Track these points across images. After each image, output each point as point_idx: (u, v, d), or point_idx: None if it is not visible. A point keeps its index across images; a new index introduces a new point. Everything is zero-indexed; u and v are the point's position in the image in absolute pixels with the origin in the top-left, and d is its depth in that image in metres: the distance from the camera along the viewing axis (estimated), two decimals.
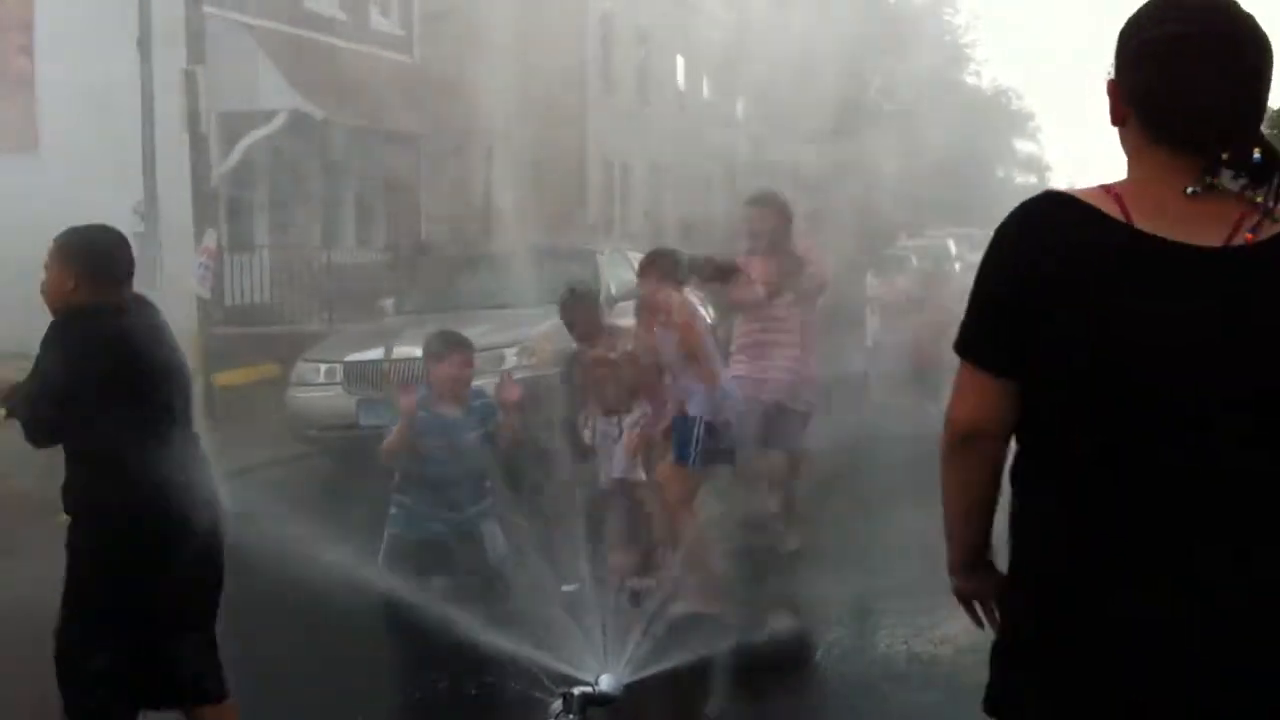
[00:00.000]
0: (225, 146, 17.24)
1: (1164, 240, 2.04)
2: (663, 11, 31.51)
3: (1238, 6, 2.13)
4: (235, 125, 17.29)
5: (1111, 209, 2.09)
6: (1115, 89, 2.20)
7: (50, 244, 4.41)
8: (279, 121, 17.13)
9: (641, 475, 6.86)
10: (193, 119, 16.10)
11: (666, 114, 31.99)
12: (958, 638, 5.52)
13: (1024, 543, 2.17)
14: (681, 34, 32.92)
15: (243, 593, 6.95)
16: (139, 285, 7.22)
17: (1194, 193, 2.07)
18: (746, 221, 7.35)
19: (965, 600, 2.44)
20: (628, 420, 6.91)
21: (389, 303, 12.32)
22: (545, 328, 8.16)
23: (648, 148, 30.55)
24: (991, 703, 2.24)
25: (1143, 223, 2.06)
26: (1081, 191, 2.16)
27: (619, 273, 12.53)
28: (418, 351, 9.94)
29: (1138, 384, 2.02)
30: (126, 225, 13.02)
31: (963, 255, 22.69)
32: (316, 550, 6.83)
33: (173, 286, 15.32)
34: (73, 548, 4.07)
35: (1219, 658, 1.99)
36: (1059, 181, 45.93)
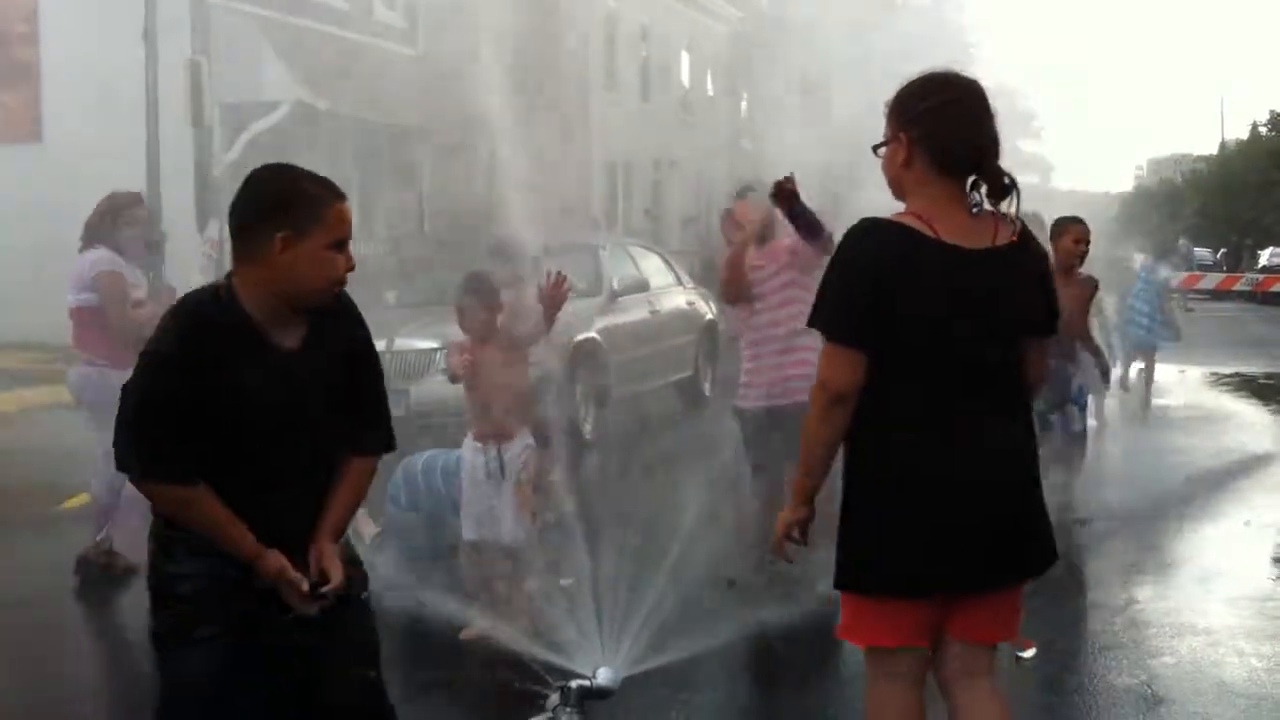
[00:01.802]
0: (229, 137, 17.22)
1: (961, 247, 3.11)
2: (666, 8, 31.49)
3: (978, 82, 3.23)
4: (239, 116, 17.28)
5: (923, 228, 3.10)
6: (905, 140, 3.17)
7: None
8: (282, 113, 17.11)
9: (530, 537, 5.73)
10: (196, 109, 16.08)
11: (669, 111, 31.98)
12: None
13: (877, 451, 3.15)
14: (685, 31, 32.91)
15: None
16: (141, 276, 7.24)
17: (977, 213, 3.16)
18: (733, 214, 6.88)
19: (791, 527, 3.31)
20: (509, 454, 5.76)
21: (391, 294, 12.32)
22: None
23: (650, 144, 30.52)
24: (844, 578, 3.21)
25: (945, 236, 3.11)
26: (898, 216, 3.16)
27: (621, 268, 12.55)
28: (419, 344, 9.97)
29: (951, 333, 3.08)
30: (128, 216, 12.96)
31: None
32: None
33: (175, 276, 15.34)
34: None
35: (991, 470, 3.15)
36: (1062, 182, 45.97)
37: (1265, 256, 39.03)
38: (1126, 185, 76.75)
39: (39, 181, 16.44)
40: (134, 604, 6.50)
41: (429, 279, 12.92)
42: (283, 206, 3.04)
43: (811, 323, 3.18)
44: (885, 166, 3.26)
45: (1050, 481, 8.35)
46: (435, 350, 9.97)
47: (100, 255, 6.84)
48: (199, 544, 3.04)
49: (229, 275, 3.10)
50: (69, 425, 10.65)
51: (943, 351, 3.10)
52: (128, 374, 6.85)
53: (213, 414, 2.97)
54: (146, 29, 15.33)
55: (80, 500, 8.65)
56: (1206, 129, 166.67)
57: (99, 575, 6.80)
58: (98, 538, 6.89)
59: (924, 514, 3.11)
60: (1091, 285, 7.60)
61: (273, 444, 3.07)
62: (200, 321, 3.02)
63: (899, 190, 3.24)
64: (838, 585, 3.23)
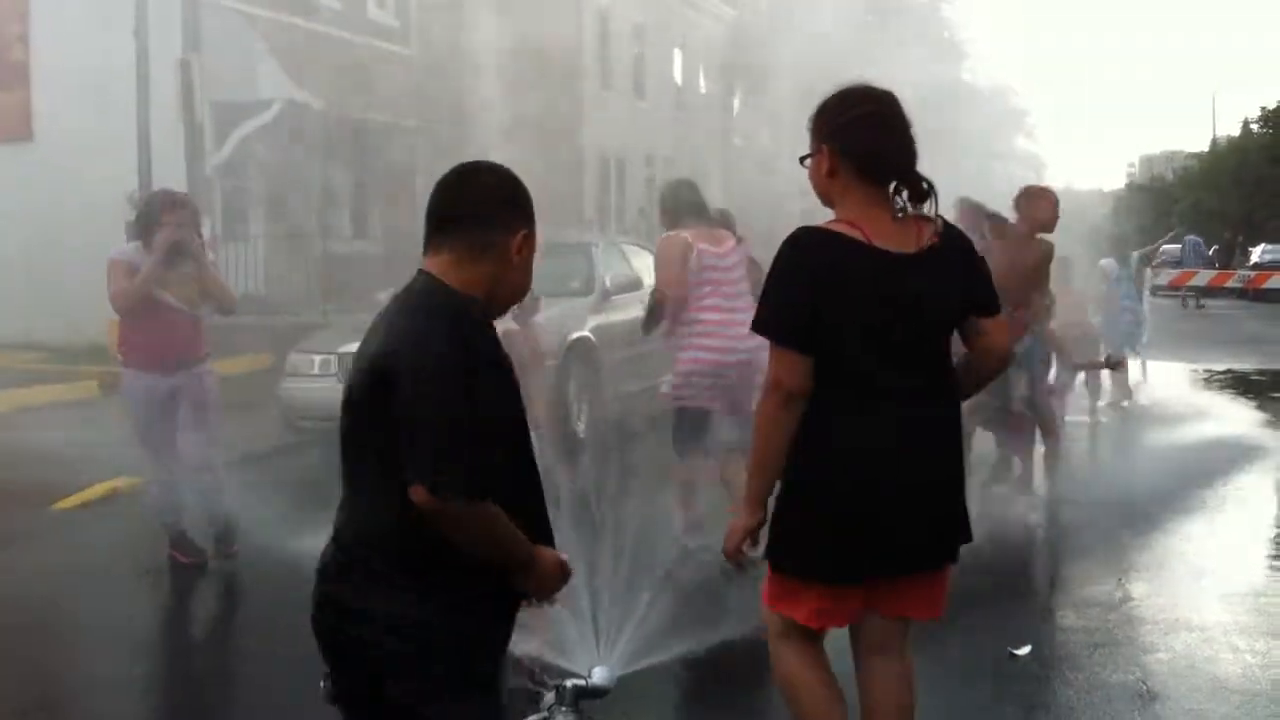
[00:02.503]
0: (221, 136, 17.21)
1: (890, 252, 3.29)
2: (659, 6, 31.48)
3: (893, 94, 3.41)
4: (231, 115, 17.26)
5: (855, 234, 3.28)
6: (828, 151, 3.36)
7: None
8: (274, 111, 17.09)
9: None
10: (188, 108, 16.07)
11: (662, 108, 31.96)
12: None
13: (814, 444, 3.32)
14: (678, 28, 32.90)
15: (238, 578, 6.98)
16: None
17: (901, 217, 3.33)
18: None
19: (746, 535, 3.46)
20: None
21: (384, 294, 12.29)
22: (541, 318, 8.16)
23: (643, 142, 30.51)
24: (772, 553, 3.42)
25: (877, 242, 3.28)
26: (831, 224, 3.34)
27: (614, 266, 12.54)
28: None
29: (881, 335, 3.29)
30: (120, 214, 12.92)
31: None
32: (311, 539, 6.84)
33: None
34: None
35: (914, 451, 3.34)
36: (1055, 178, 45.90)
37: (1257, 253, 39.09)
38: (1118, 182, 76.89)
39: (30, 180, 16.42)
40: (131, 603, 6.50)
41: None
42: (521, 205, 2.90)
43: (756, 328, 3.37)
44: (811, 177, 3.45)
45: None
46: None
47: (120, 248, 6.93)
48: (459, 596, 2.76)
49: (429, 274, 2.81)
50: (63, 426, 10.65)
51: (874, 353, 3.30)
52: (136, 374, 6.80)
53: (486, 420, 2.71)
54: (137, 27, 15.31)
55: (75, 500, 8.63)
56: (1198, 126, 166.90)
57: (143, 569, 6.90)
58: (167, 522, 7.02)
59: (852, 507, 3.31)
60: (1047, 250, 7.94)
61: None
62: (473, 321, 2.78)
63: (827, 199, 3.44)
64: (767, 558, 3.46)
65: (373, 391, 2.69)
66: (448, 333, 2.70)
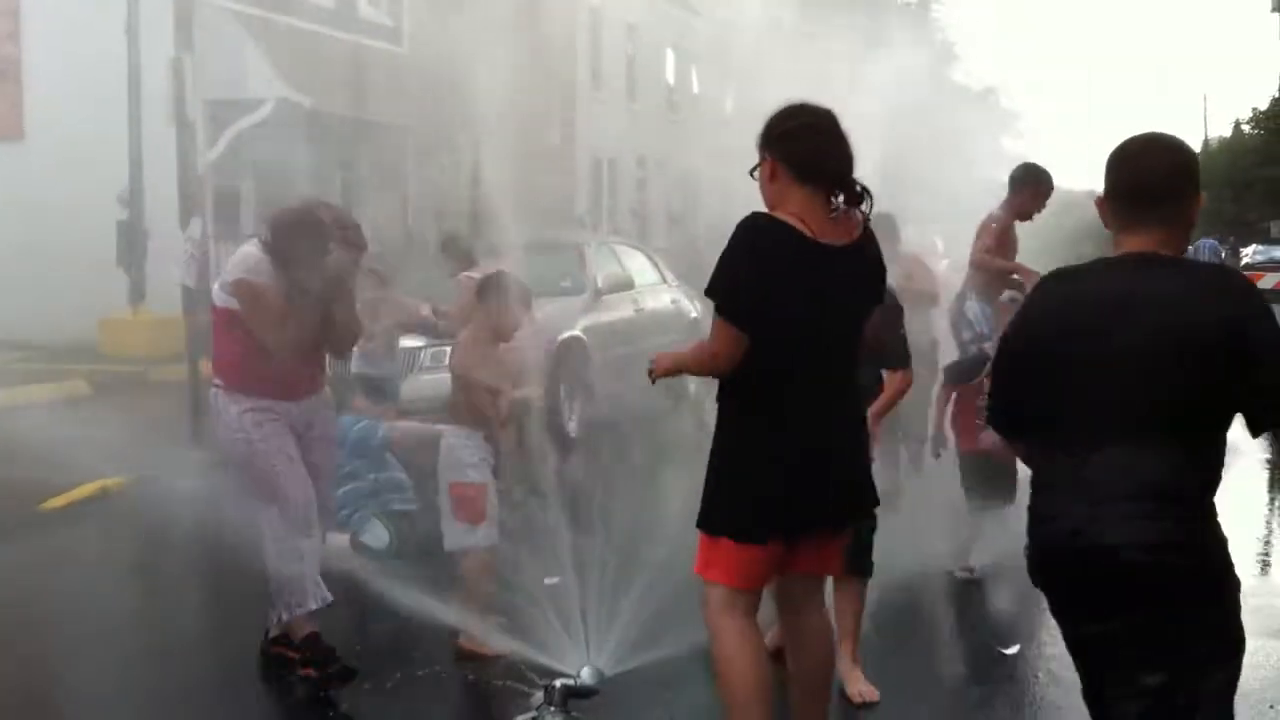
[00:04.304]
0: (212, 135, 17.16)
1: (829, 245, 3.66)
2: (651, 6, 31.48)
3: (831, 111, 3.77)
4: (223, 113, 17.22)
5: (802, 227, 3.63)
6: (770, 158, 3.73)
7: None
8: (266, 110, 17.06)
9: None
10: (180, 107, 16.00)
11: (655, 109, 31.97)
12: None
13: (736, 425, 3.74)
14: (670, 29, 32.91)
15: (225, 576, 6.96)
16: (124, 274, 7.16)
17: (834, 215, 3.70)
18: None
19: (668, 371, 3.96)
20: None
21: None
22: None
23: (636, 142, 30.51)
24: (705, 520, 3.76)
25: (819, 236, 3.64)
26: (780, 214, 3.67)
27: (606, 266, 12.54)
28: (406, 341, 9.95)
29: (814, 321, 3.66)
30: (111, 213, 12.82)
31: (951, 252, 22.60)
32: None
33: (158, 274, 15.22)
34: None
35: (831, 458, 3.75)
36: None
37: (1248, 254, 39.14)
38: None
39: (21, 178, 16.38)
40: (118, 603, 6.49)
41: (414, 277, 12.90)
42: (1197, 176, 3.16)
43: (707, 294, 3.70)
44: (760, 184, 3.80)
45: None
46: (420, 349, 9.99)
47: (247, 252, 5.38)
48: None
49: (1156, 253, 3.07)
50: (51, 425, 10.62)
51: (807, 338, 3.67)
52: (256, 401, 5.30)
53: None
54: (129, 25, 15.29)
55: (62, 500, 8.61)
56: (1190, 126, 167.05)
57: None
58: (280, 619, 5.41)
59: (775, 477, 3.67)
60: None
61: None
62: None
63: (771, 204, 3.76)
64: (698, 525, 3.78)
65: (1217, 356, 3.12)
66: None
